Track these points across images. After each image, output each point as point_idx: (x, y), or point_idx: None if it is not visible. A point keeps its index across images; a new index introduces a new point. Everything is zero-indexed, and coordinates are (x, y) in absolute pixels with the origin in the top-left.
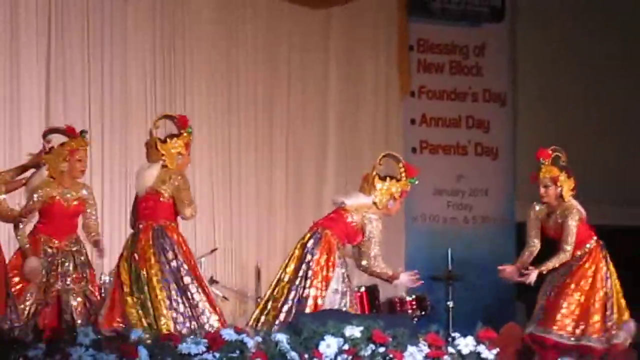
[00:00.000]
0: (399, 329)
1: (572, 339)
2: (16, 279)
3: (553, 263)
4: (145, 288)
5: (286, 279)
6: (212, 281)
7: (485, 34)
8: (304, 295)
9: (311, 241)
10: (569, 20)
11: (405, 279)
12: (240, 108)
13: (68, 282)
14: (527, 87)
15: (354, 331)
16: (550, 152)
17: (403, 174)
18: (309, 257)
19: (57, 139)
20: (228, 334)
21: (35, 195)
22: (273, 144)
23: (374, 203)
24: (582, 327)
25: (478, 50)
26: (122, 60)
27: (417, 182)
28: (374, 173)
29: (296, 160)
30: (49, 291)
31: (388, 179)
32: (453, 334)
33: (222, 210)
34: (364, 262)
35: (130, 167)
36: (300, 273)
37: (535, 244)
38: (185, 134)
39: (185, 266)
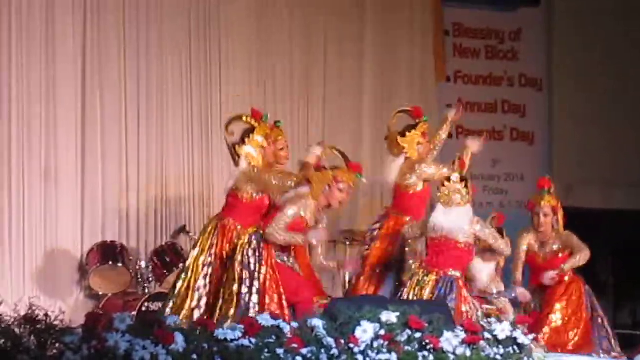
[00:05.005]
0: (435, 315)
1: None
2: None
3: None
4: None
5: None
6: None
7: (521, 19)
8: None
9: None
10: (605, 5)
11: None
12: (277, 100)
13: None
14: (563, 71)
15: (390, 317)
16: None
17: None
18: None
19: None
20: (264, 320)
21: None
22: (309, 133)
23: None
24: None
25: (514, 35)
26: (158, 32)
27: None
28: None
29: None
30: None
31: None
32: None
33: None
34: None
35: (166, 152)
36: None
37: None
38: (421, 123)
39: None
